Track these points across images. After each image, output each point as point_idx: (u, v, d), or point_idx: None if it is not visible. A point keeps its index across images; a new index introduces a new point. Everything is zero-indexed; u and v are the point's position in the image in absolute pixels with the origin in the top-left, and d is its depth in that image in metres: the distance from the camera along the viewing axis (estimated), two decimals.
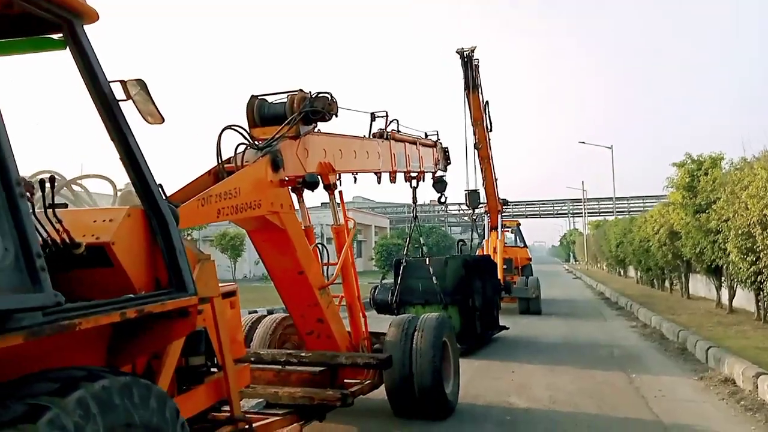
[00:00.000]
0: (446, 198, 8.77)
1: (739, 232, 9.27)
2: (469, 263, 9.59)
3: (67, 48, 2.32)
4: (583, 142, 52.07)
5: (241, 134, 4.21)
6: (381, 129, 6.55)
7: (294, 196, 5.03)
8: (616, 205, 43.89)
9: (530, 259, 18.23)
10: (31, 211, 1.83)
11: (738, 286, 11.73)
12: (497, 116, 13.51)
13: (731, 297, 12.24)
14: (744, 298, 12.09)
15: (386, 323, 5.78)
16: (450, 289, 9.10)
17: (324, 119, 4.92)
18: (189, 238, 21.23)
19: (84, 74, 2.34)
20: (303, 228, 5.07)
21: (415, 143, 7.40)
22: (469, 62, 11.86)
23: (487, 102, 12.52)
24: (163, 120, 2.48)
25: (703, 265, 12.67)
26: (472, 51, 11.85)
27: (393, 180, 6.91)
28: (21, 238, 1.74)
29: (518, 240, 18.89)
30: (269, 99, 4.93)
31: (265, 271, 5.21)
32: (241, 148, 4.21)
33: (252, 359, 4.96)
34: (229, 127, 4.14)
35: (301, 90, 4.83)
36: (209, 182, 3.92)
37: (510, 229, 18.29)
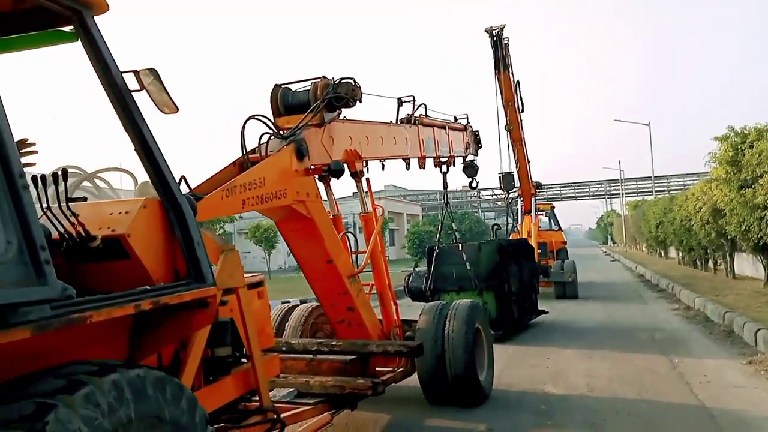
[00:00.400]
0: (478, 183, 8.62)
1: None
2: (504, 248, 9.44)
3: (79, 40, 2.30)
4: (619, 120, 50.98)
5: (265, 123, 4.18)
6: (408, 114, 6.45)
7: (321, 185, 5.00)
8: (655, 185, 42.74)
9: (565, 243, 17.91)
10: (37, 203, 1.83)
11: None
12: (529, 96, 13.23)
13: None
14: None
15: (420, 311, 5.71)
16: (484, 275, 8.99)
17: (348, 105, 4.85)
18: (221, 231, 21.59)
19: (96, 65, 2.32)
20: (331, 217, 5.03)
21: (444, 127, 7.28)
22: (498, 41, 11.64)
23: (518, 82, 12.29)
24: (178, 110, 2.45)
25: (749, 243, 12.16)
26: (502, 29, 11.62)
27: (422, 166, 6.79)
28: (24, 231, 1.73)
29: (552, 223, 18.56)
30: (293, 87, 4.87)
31: None
32: (266, 138, 4.17)
33: (283, 349, 4.97)
34: (253, 117, 4.12)
35: (324, 77, 4.76)
36: (234, 173, 3.88)
37: (544, 213, 17.99)
